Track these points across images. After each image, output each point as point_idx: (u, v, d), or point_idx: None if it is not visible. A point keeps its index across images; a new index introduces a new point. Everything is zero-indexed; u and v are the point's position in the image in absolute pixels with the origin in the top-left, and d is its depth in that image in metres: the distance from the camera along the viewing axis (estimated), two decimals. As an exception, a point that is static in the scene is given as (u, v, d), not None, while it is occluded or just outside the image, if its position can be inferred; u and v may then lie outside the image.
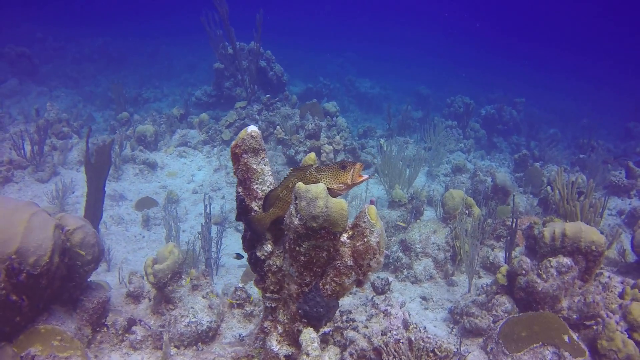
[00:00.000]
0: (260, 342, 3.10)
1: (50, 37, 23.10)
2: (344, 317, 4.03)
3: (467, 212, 6.62)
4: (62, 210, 7.70)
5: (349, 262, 2.67)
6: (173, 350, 4.17)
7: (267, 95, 11.65)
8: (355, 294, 5.19)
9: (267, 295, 2.99)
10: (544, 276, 4.54)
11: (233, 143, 2.91)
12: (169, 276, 4.33)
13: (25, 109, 13.58)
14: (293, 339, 2.89)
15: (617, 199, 9.26)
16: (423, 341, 3.46)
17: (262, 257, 2.91)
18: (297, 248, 2.61)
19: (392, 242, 6.81)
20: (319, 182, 2.61)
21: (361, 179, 2.65)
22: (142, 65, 22.90)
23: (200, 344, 4.24)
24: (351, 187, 2.67)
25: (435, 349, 3.45)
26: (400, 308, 4.20)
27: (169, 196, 8.66)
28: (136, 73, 21.47)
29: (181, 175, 9.85)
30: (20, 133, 9.28)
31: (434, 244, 6.46)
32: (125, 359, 4.14)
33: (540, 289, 4.45)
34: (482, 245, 6.51)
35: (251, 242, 2.96)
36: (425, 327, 3.78)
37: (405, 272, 6.31)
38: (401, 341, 3.47)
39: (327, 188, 2.62)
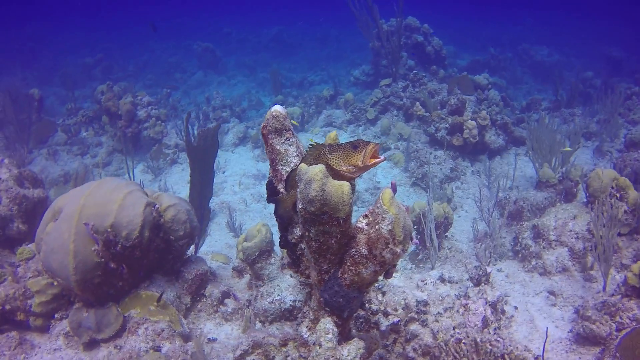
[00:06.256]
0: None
1: (234, 31, 25.55)
2: (419, 308, 3.74)
3: (618, 195, 5.56)
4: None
5: (363, 250, 2.44)
6: (258, 325, 4.34)
7: (414, 71, 11.23)
8: (456, 282, 4.76)
9: (302, 280, 2.91)
10: (690, 279, 3.60)
11: (262, 124, 2.86)
12: (257, 254, 4.49)
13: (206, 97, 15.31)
14: (321, 326, 2.77)
15: None
16: (490, 344, 3.03)
17: (293, 241, 2.83)
18: (307, 233, 2.48)
19: (524, 228, 6.07)
20: (328, 162, 2.43)
21: (373, 161, 2.38)
22: (313, 50, 23.93)
23: (284, 320, 4.34)
24: (363, 170, 2.42)
25: (506, 355, 2.99)
26: (493, 304, 3.74)
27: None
28: (306, 58, 22.53)
29: (324, 155, 10.09)
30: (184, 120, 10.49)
31: (571, 231, 5.58)
32: (218, 329, 4.45)
33: (679, 294, 3.55)
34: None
35: (283, 224, 2.89)
36: (497, 328, 3.31)
37: (533, 262, 5.58)
38: (463, 341, 3.08)
39: (336, 170, 2.42)
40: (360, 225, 2.51)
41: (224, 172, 9.36)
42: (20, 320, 4.20)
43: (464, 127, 8.98)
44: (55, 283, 4.06)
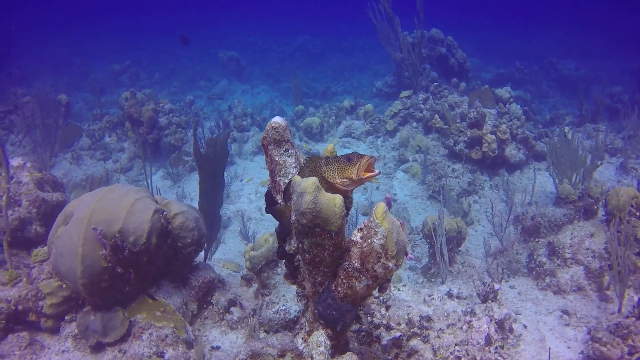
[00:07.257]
0: (296, 338, 3.04)
1: (260, 40, 25.84)
2: (422, 323, 3.69)
3: (637, 214, 5.41)
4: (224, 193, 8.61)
5: (356, 264, 2.43)
6: (262, 334, 4.34)
7: (435, 84, 11.18)
8: (465, 298, 4.69)
9: (298, 291, 2.92)
10: None
11: (263, 135, 2.89)
12: (263, 263, 4.51)
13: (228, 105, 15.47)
14: (316, 339, 2.76)
15: None
16: (490, 363, 2.98)
17: (290, 252, 2.84)
18: (301, 245, 2.48)
19: (539, 244, 5.96)
20: (323, 174, 2.43)
21: (367, 174, 2.37)
22: (337, 60, 23.99)
23: (288, 331, 4.33)
24: (358, 183, 2.42)
25: (505, 375, 2.93)
26: (499, 322, 3.67)
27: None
28: (331, 68, 22.59)
29: (342, 165, 10.09)
30: (205, 128, 10.63)
31: (588, 249, 5.45)
32: (223, 337, 4.47)
33: (692, 319, 3.42)
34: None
35: (281, 235, 2.90)
36: (499, 347, 3.24)
37: (547, 280, 5.46)
38: (462, 359, 3.03)
39: (330, 183, 2.43)
40: (354, 239, 2.50)
41: (241, 181, 9.45)
42: (32, 321, 4.29)
43: (483, 140, 8.87)
44: (65, 286, 4.15)
